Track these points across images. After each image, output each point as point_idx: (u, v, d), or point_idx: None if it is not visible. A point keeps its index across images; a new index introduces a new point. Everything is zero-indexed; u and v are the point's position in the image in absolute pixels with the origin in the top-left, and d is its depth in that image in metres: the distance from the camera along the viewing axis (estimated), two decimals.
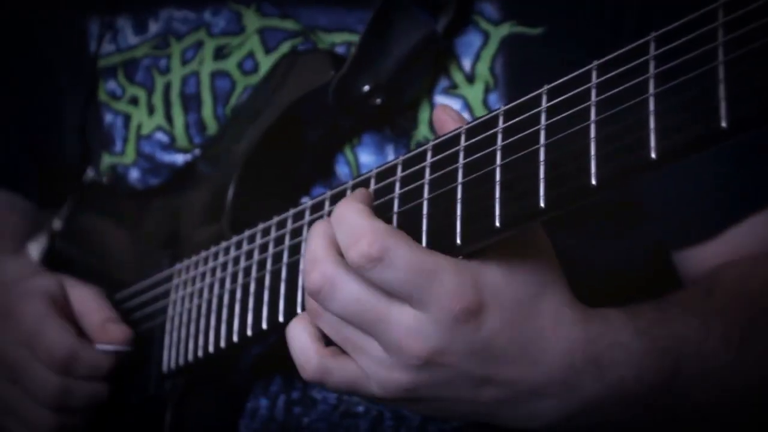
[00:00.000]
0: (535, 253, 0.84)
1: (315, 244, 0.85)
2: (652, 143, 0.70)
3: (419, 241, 0.86)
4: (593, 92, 0.76)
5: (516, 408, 0.86)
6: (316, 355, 0.86)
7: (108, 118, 1.28)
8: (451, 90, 1.11)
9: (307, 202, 1.01)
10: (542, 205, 0.77)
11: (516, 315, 0.83)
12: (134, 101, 1.26)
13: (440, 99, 1.11)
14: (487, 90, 1.09)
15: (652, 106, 0.71)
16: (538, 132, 0.79)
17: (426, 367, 0.82)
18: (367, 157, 1.14)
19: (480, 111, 1.10)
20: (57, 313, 1.16)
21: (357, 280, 0.82)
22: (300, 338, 0.87)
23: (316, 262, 0.84)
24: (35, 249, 1.38)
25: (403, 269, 0.81)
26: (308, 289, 0.84)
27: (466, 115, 1.09)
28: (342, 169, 1.15)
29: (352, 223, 0.82)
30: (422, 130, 1.11)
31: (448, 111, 0.89)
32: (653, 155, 0.70)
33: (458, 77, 1.11)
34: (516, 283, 0.83)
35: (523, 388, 0.84)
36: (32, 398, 1.15)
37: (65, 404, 1.14)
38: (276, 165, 1.16)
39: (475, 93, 1.10)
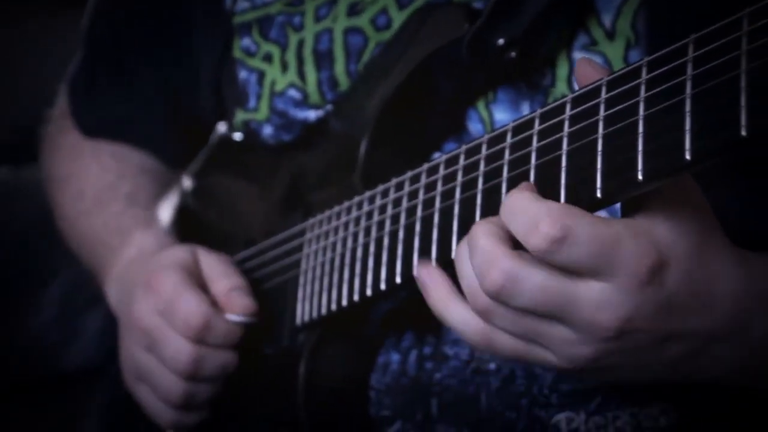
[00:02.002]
0: (691, 204, 0.84)
1: (484, 243, 0.85)
2: None
3: (557, 195, 0.85)
4: (744, 41, 0.73)
5: (695, 359, 0.86)
6: (480, 331, 0.88)
7: (242, 74, 1.29)
8: (591, 47, 1.08)
9: (439, 157, 1.00)
10: (688, 157, 0.75)
11: (690, 264, 0.83)
12: (268, 58, 1.26)
13: (579, 56, 1.07)
14: (628, 47, 1.07)
15: None
16: (684, 82, 0.77)
17: (617, 337, 0.83)
18: (501, 114, 1.12)
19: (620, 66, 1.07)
20: (192, 283, 1.18)
21: (539, 268, 0.82)
22: (460, 317, 0.89)
23: (492, 261, 0.83)
24: (165, 211, 1.41)
25: (587, 243, 0.80)
26: (488, 290, 0.84)
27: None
28: (475, 126, 1.14)
29: (527, 210, 0.82)
30: (560, 87, 1.09)
31: (592, 64, 0.87)
32: None
33: (598, 33, 1.08)
34: (685, 233, 0.83)
35: (703, 336, 0.85)
36: (166, 366, 1.17)
37: (197, 373, 1.17)
38: (408, 121, 1.15)
39: (615, 50, 1.07)
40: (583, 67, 0.88)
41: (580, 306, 0.82)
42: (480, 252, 0.85)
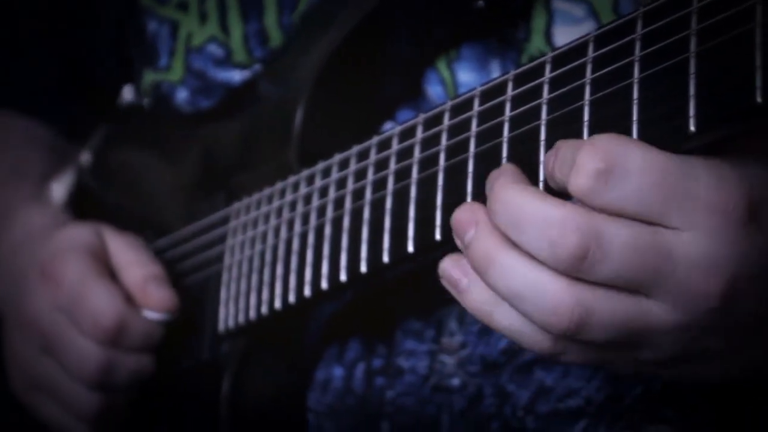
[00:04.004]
0: None
1: (538, 203, 0.79)
2: None
3: (534, 173, 0.85)
4: None
5: None
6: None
7: (152, 26, 1.29)
8: None
9: (392, 128, 1.01)
10: (692, 128, 0.75)
11: None
12: (183, 6, 1.26)
13: (560, 5, 1.09)
14: None
15: None
16: (688, 38, 0.77)
17: (720, 307, 0.78)
18: (466, 75, 1.12)
19: (609, 18, 1.07)
20: (101, 272, 1.17)
21: (620, 220, 0.77)
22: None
23: (561, 222, 0.77)
24: (60, 189, 1.39)
25: (643, 174, 0.76)
26: (569, 261, 0.77)
27: (592, 24, 1.07)
28: (434, 89, 1.14)
29: (567, 147, 0.79)
30: (536, 42, 1.10)
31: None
32: None
33: None
34: None
35: None
36: (70, 374, 1.16)
37: (108, 382, 1.16)
38: (354, 83, 1.15)
39: None
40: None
41: (677, 266, 0.77)
42: (538, 216, 0.78)
